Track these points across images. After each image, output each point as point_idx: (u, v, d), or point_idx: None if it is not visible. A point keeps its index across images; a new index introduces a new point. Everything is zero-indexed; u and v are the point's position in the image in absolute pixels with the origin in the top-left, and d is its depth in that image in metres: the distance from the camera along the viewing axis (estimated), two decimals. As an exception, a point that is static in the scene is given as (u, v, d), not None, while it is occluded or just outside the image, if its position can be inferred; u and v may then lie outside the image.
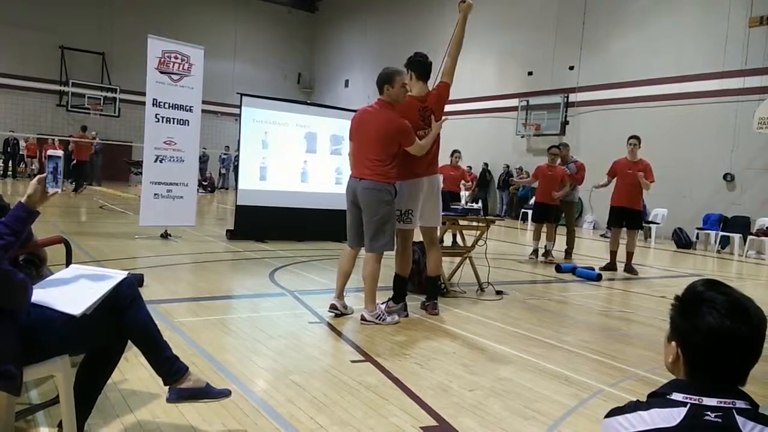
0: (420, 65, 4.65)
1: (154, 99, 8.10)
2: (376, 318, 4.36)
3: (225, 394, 2.34)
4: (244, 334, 3.92)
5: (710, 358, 1.21)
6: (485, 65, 20.57)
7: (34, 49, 23.58)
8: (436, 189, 4.78)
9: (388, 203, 4.35)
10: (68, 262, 2.96)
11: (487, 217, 6.28)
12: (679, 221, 13.47)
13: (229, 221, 10.59)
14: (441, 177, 4.93)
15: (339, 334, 4.08)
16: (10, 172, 21.71)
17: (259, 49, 29.35)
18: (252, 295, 5.34)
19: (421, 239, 5.01)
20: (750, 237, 12.03)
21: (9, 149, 21.70)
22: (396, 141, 4.35)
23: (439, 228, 5.08)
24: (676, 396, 1.21)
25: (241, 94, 8.96)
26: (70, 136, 20.85)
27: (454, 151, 10.23)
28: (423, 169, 4.62)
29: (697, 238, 13.18)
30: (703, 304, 1.22)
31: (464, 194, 10.01)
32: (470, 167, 18.37)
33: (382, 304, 4.74)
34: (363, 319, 4.38)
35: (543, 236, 8.95)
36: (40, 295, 2.06)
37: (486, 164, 19.84)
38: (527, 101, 18.78)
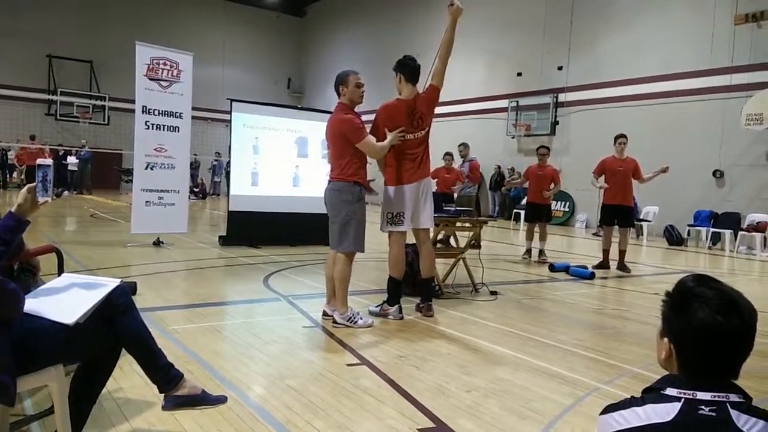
0: (408, 68, 4.67)
1: (143, 106, 8.08)
2: (348, 320, 4.31)
3: (221, 400, 2.34)
4: (238, 340, 3.91)
5: (702, 353, 1.22)
6: (474, 66, 20.63)
7: (21, 57, 23.40)
8: (427, 192, 4.78)
9: (349, 203, 4.33)
10: (60, 271, 2.95)
11: (479, 218, 6.30)
12: (670, 218, 13.56)
13: (221, 227, 10.55)
14: (431, 180, 4.92)
15: (334, 337, 4.07)
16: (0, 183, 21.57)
17: (249, 54, 29.30)
18: (246, 300, 5.33)
19: (415, 241, 5.02)
20: (741, 233, 12.10)
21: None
22: (346, 138, 4.32)
23: (432, 230, 5.09)
24: (670, 391, 1.22)
25: (231, 100, 8.95)
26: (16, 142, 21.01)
27: (446, 154, 10.25)
28: (408, 175, 4.63)
29: (689, 234, 13.26)
30: (694, 300, 1.23)
31: (456, 187, 10.03)
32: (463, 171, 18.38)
33: (377, 306, 4.76)
34: (335, 322, 4.36)
35: (536, 236, 8.98)
36: (32, 304, 2.05)
37: (477, 165, 19.86)
38: (517, 102, 18.85)
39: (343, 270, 4.36)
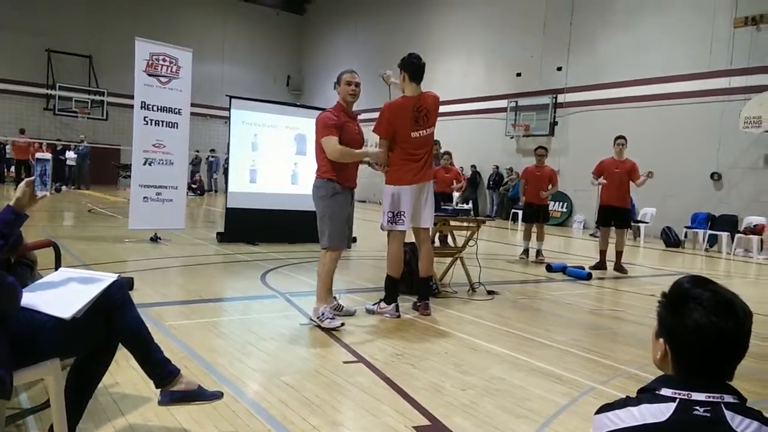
0: (413, 66, 4.66)
1: (142, 102, 8.07)
2: (317, 318, 4.23)
3: (217, 396, 2.34)
4: (235, 336, 3.91)
5: (698, 354, 1.23)
6: (473, 66, 20.65)
7: (20, 52, 23.34)
8: (428, 192, 4.80)
9: (323, 199, 4.32)
10: (57, 266, 2.94)
11: (477, 218, 6.31)
12: (667, 220, 13.58)
13: (219, 224, 10.55)
14: (432, 182, 4.94)
15: (330, 335, 4.07)
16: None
17: (248, 51, 29.28)
18: (243, 297, 5.33)
19: (413, 240, 5.03)
20: (737, 235, 12.14)
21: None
22: (317, 134, 4.35)
23: (430, 229, 5.09)
24: (665, 391, 1.22)
25: (230, 97, 8.94)
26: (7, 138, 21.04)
27: (445, 153, 10.23)
28: (411, 176, 4.64)
29: (686, 236, 13.28)
30: (690, 301, 1.23)
31: (456, 195, 10.01)
32: (462, 168, 18.42)
33: (374, 304, 4.77)
34: (309, 318, 4.33)
35: (533, 236, 8.98)
36: (29, 298, 2.04)
37: (474, 166, 19.87)
38: (516, 102, 18.86)
39: (324, 265, 4.35)
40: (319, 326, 4.18)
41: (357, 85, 4.43)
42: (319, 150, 4.37)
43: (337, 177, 4.32)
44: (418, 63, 4.68)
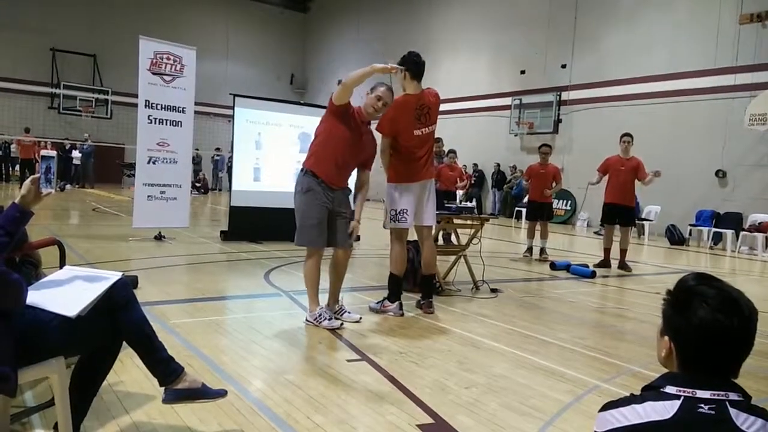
0: (413, 64, 4.66)
1: (146, 100, 8.07)
2: (314, 320, 4.20)
3: (221, 394, 2.34)
4: (239, 335, 3.92)
5: (702, 352, 1.22)
6: (478, 64, 20.61)
7: (24, 51, 23.41)
8: (430, 189, 4.80)
9: (299, 194, 4.23)
10: (62, 264, 2.95)
11: (481, 216, 6.31)
12: (671, 218, 13.54)
13: (223, 222, 10.56)
14: (433, 180, 4.93)
15: (334, 333, 4.07)
16: (3, 176, 21.57)
17: (252, 49, 29.28)
18: (247, 295, 5.34)
19: (416, 238, 5.02)
20: (742, 233, 12.09)
21: (1, 152, 21.54)
22: (322, 120, 4.27)
23: (434, 227, 5.09)
24: (670, 389, 1.22)
25: (234, 95, 8.94)
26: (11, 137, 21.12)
27: (450, 151, 10.23)
28: (412, 175, 4.64)
29: (690, 234, 13.24)
30: (695, 298, 1.23)
31: (459, 193, 10.00)
32: (465, 166, 18.40)
33: (378, 303, 4.77)
34: (306, 320, 4.30)
35: (537, 234, 8.97)
36: (34, 296, 2.05)
37: (476, 164, 19.84)
38: (520, 100, 18.81)
39: (307, 266, 4.29)
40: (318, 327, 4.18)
41: (385, 105, 4.27)
42: (317, 130, 4.29)
43: (316, 168, 4.19)
44: (418, 61, 4.67)
